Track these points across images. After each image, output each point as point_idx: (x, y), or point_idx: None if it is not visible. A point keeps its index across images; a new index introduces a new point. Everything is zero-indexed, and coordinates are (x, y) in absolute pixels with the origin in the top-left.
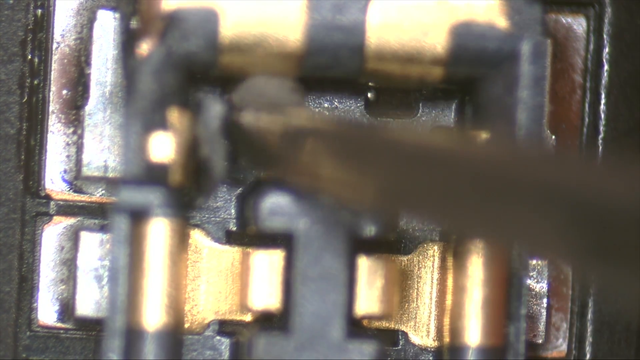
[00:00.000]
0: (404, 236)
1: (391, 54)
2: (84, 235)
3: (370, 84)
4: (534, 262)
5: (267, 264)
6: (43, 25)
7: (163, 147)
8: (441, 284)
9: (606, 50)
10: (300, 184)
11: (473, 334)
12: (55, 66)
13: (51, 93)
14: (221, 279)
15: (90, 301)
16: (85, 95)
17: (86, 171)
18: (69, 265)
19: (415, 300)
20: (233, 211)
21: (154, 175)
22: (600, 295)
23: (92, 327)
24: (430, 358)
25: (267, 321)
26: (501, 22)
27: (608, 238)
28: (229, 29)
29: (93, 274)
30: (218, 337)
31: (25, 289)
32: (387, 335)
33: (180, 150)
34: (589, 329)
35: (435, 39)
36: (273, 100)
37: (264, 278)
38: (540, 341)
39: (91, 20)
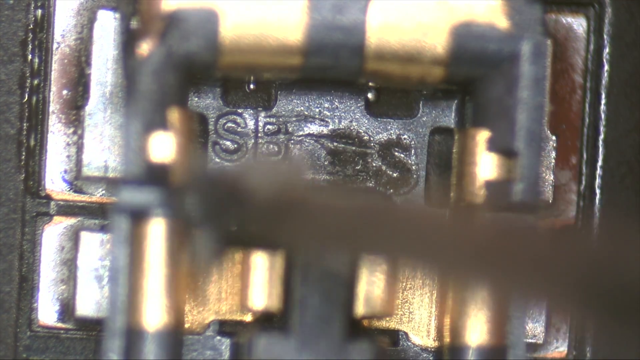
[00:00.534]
0: None
1: (391, 54)
2: (84, 236)
3: (370, 84)
4: None
5: (268, 264)
6: (43, 25)
7: (163, 147)
8: (442, 284)
9: (606, 50)
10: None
11: (473, 334)
12: (55, 66)
13: (51, 93)
14: (221, 279)
15: (90, 301)
16: (86, 96)
17: (86, 171)
18: (69, 265)
19: (415, 300)
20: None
21: (154, 175)
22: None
23: (93, 327)
24: (431, 358)
25: (267, 321)
26: (501, 22)
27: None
28: (229, 30)
29: (93, 274)
30: (218, 337)
31: (25, 289)
32: (387, 336)
33: (181, 150)
34: (589, 329)
35: (435, 39)
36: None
37: (265, 278)
38: (540, 341)
39: (91, 20)
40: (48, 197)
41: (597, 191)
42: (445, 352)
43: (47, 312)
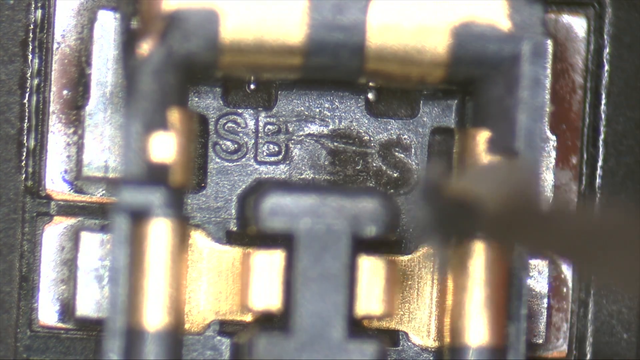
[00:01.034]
0: (405, 236)
1: (392, 55)
2: (85, 236)
3: (370, 84)
4: (534, 262)
5: (268, 264)
6: (44, 25)
7: (163, 147)
8: (442, 284)
9: (606, 50)
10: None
11: (473, 334)
12: (55, 66)
13: (52, 93)
14: (222, 279)
15: (90, 301)
16: (86, 96)
17: (87, 171)
18: (70, 265)
19: (415, 300)
20: (233, 211)
21: (154, 175)
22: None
23: (93, 327)
24: (431, 358)
25: (267, 321)
26: (502, 22)
27: None
28: (230, 30)
29: (93, 274)
30: (219, 337)
31: (25, 289)
32: (387, 336)
33: (181, 150)
34: (589, 329)
35: (435, 40)
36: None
37: (265, 278)
38: (540, 341)
39: (92, 20)
40: (48, 197)
41: (597, 191)
42: (445, 352)
43: (47, 312)
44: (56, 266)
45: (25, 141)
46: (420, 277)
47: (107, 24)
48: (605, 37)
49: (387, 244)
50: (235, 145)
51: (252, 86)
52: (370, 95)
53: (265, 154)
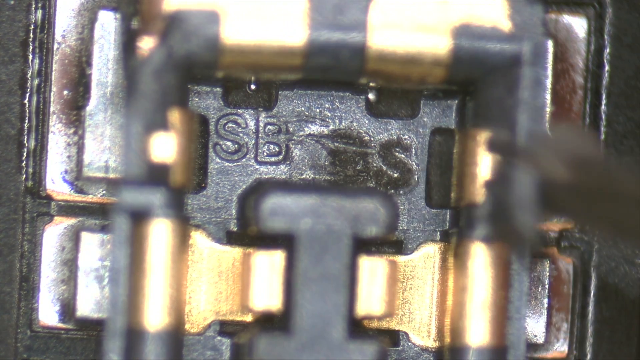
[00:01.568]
0: (405, 237)
1: (392, 55)
2: (85, 236)
3: (371, 84)
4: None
5: (268, 265)
6: (44, 25)
7: (164, 148)
8: (442, 285)
9: (607, 50)
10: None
11: (474, 334)
12: (56, 67)
13: (52, 93)
14: (222, 279)
15: (91, 302)
16: (86, 96)
17: (87, 172)
18: (70, 265)
19: (416, 300)
20: (234, 211)
21: (155, 175)
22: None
23: (93, 328)
24: (431, 358)
25: (268, 322)
26: (502, 23)
27: None
28: (230, 30)
29: (94, 275)
30: (219, 338)
31: (26, 289)
32: (387, 336)
33: (181, 150)
34: (590, 329)
35: (436, 40)
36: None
37: (265, 279)
38: (540, 341)
39: (92, 20)
40: (49, 198)
41: None
42: (445, 352)
43: (47, 313)
44: (56, 266)
45: (25, 141)
46: (421, 277)
47: (108, 24)
48: (606, 37)
49: (387, 244)
50: (236, 146)
51: (252, 86)
52: (370, 96)
53: (265, 154)
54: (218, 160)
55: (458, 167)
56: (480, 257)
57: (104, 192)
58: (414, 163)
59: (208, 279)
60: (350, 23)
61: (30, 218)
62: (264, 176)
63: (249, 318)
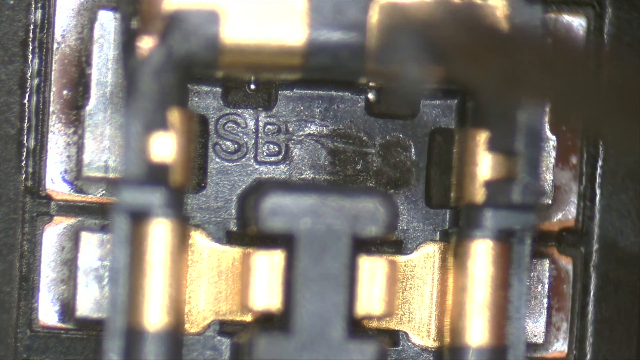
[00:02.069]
0: (405, 237)
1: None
2: (85, 236)
3: (371, 84)
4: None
5: (268, 265)
6: (44, 25)
7: (164, 147)
8: (442, 285)
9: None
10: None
11: (473, 334)
12: (55, 66)
13: (52, 93)
14: (222, 279)
15: (90, 301)
16: (86, 96)
17: (87, 171)
18: (70, 265)
19: (415, 300)
20: (233, 211)
21: (154, 175)
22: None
23: (93, 328)
24: (431, 358)
25: (267, 321)
26: (502, 22)
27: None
28: (230, 30)
29: (93, 274)
30: (218, 337)
31: (25, 289)
32: (387, 336)
33: (181, 150)
34: (589, 329)
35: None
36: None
37: (265, 278)
38: (540, 341)
39: (92, 20)
40: (48, 197)
41: (597, 191)
42: (445, 352)
43: (47, 312)
44: (56, 266)
45: (25, 141)
46: (421, 277)
47: (107, 24)
48: (605, 36)
49: (387, 244)
50: (235, 145)
51: (252, 86)
52: (370, 95)
53: (265, 154)
54: (218, 160)
55: (458, 167)
56: (480, 256)
57: (104, 191)
58: (413, 163)
59: (208, 279)
60: (349, 23)
61: (30, 218)
62: (264, 176)
63: (248, 318)
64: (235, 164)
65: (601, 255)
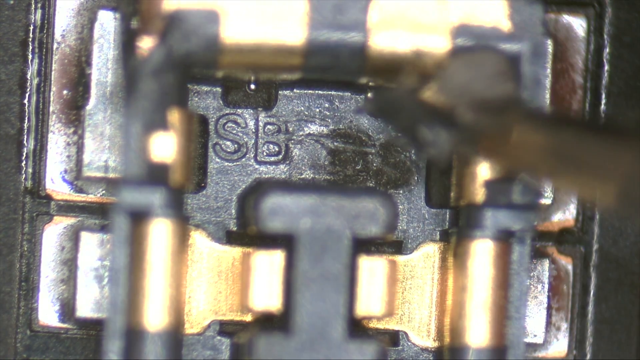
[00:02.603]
0: (405, 236)
1: (392, 55)
2: (85, 235)
3: (371, 84)
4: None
5: (268, 265)
6: (44, 25)
7: (164, 147)
8: (442, 285)
9: (607, 50)
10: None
11: (473, 334)
12: (55, 66)
13: (52, 93)
14: (221, 279)
15: (90, 301)
16: (86, 96)
17: (87, 171)
18: (70, 265)
19: (415, 300)
20: (233, 211)
21: (154, 175)
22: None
23: (93, 327)
24: (431, 358)
25: (267, 321)
26: (502, 22)
27: None
28: (230, 29)
29: (93, 274)
30: (218, 337)
31: (25, 289)
32: (387, 336)
33: (181, 150)
34: (589, 328)
35: (436, 40)
36: (483, 87)
37: (265, 278)
38: (540, 341)
39: (92, 20)
40: (48, 197)
41: None
42: (445, 352)
43: (47, 312)
44: (56, 266)
45: (25, 141)
46: (421, 277)
47: (107, 23)
48: (605, 36)
49: (387, 244)
50: (235, 145)
51: (252, 86)
52: (370, 95)
53: (265, 153)
54: (218, 159)
55: (458, 167)
56: (480, 256)
57: (104, 191)
58: (413, 163)
59: (208, 279)
60: (350, 23)
61: (30, 218)
62: (264, 176)
63: (248, 318)
64: (235, 164)
65: (601, 255)
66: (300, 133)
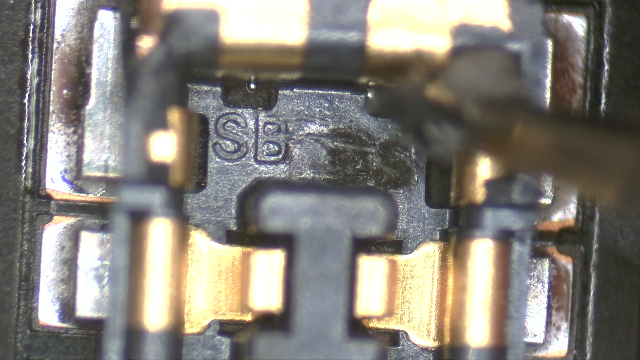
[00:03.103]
0: (405, 236)
1: (392, 54)
2: (85, 235)
3: (371, 83)
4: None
5: (268, 264)
6: (44, 25)
7: (164, 147)
8: (442, 284)
9: (606, 50)
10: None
11: (473, 334)
12: (55, 66)
13: (52, 93)
14: (221, 279)
15: (90, 301)
16: (86, 95)
17: (87, 171)
18: (70, 264)
19: (415, 300)
20: (233, 211)
21: (154, 175)
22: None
23: (93, 327)
24: (431, 358)
25: (267, 321)
26: (502, 22)
27: None
28: (230, 29)
29: (93, 274)
30: (218, 337)
31: (25, 288)
32: (387, 335)
33: (181, 149)
34: (589, 328)
35: (436, 40)
36: (489, 84)
37: (265, 278)
38: (540, 341)
39: (92, 20)
40: (48, 197)
41: None
42: (445, 352)
43: (47, 312)
44: (56, 266)
45: (25, 141)
46: (421, 277)
47: (107, 23)
48: (605, 36)
49: (387, 244)
50: (235, 145)
51: (252, 86)
52: (370, 95)
53: (265, 153)
54: (218, 159)
55: (457, 166)
56: (480, 256)
57: (104, 191)
58: (413, 162)
59: (208, 279)
60: (349, 22)
61: (30, 217)
62: (264, 175)
63: (248, 317)
64: (235, 163)
65: (601, 254)
66: (300, 133)
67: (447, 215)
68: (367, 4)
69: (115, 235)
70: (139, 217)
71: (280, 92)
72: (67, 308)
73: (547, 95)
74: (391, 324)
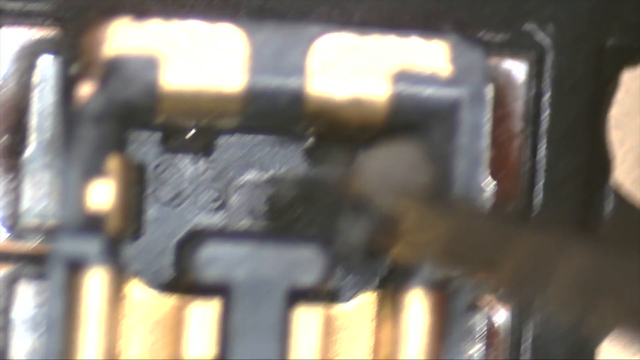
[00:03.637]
0: (343, 285)
1: (331, 100)
2: (21, 284)
3: (310, 130)
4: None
5: (203, 314)
6: None
7: (101, 195)
8: (377, 335)
9: (547, 95)
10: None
11: None
12: None
13: None
14: (157, 328)
15: (25, 351)
16: (26, 142)
17: (25, 219)
18: (4, 314)
19: (351, 351)
20: (170, 259)
21: (91, 223)
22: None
23: None
24: None
25: None
26: (442, 68)
27: None
28: (169, 76)
29: (29, 324)
30: None
31: None
32: None
33: (119, 197)
34: None
35: (375, 85)
36: (400, 178)
37: (200, 328)
38: None
39: (32, 65)
40: None
41: None
42: None
43: None
44: None
45: None
46: (356, 327)
47: (48, 69)
48: (546, 81)
49: (323, 293)
50: (174, 192)
51: (192, 132)
52: (309, 141)
53: (204, 200)
54: (156, 206)
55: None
56: (416, 306)
57: (42, 239)
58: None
59: (143, 328)
60: (289, 68)
61: None
62: (202, 223)
63: None
64: (173, 210)
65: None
66: (240, 179)
67: (384, 265)
68: (306, 49)
69: (52, 286)
70: (75, 267)
71: (220, 138)
72: (0, 358)
73: (487, 142)
74: None
